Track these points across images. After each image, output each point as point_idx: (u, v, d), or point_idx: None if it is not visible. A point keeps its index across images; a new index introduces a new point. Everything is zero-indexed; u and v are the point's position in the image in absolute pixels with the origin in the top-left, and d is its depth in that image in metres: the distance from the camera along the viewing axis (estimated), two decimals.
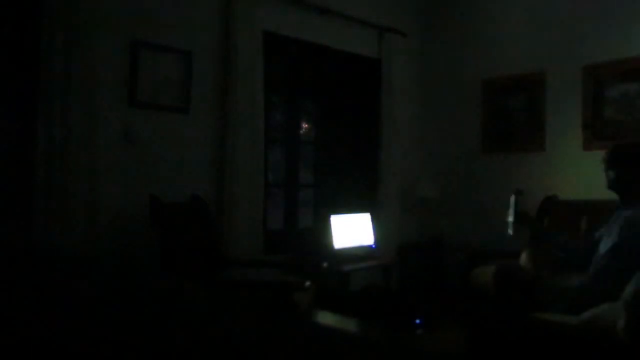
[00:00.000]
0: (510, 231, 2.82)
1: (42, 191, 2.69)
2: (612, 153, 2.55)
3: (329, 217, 3.82)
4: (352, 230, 3.97)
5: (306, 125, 4.61)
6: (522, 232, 2.86)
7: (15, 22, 2.81)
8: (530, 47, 4.26)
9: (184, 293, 0.55)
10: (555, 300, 2.27)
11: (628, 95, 3.75)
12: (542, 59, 4.18)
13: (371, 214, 4.20)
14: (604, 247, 2.42)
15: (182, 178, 3.31)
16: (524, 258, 2.73)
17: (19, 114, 2.80)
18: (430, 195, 4.61)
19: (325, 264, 3.65)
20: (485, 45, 4.56)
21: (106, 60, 2.97)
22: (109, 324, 0.46)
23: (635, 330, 1.66)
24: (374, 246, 4.11)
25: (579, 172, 3.96)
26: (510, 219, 2.85)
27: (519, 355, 1.98)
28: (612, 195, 3.65)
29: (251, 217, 3.52)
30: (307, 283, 2.83)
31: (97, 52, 2.87)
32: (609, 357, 1.76)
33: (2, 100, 2.81)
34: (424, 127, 4.97)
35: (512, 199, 2.83)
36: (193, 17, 3.40)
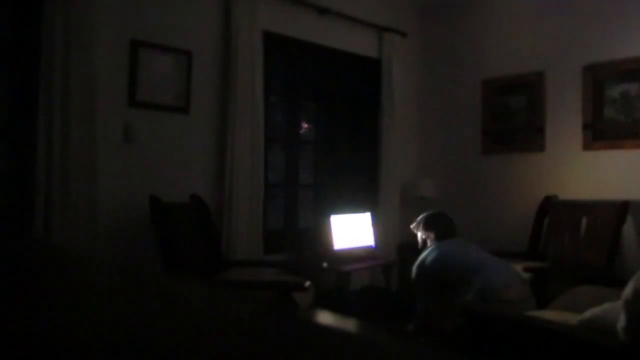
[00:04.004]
0: None
1: (42, 191, 2.69)
2: None
3: (329, 217, 3.82)
4: (352, 230, 3.97)
5: (306, 125, 4.61)
6: None
7: (15, 22, 2.81)
8: (530, 47, 4.26)
9: (184, 293, 0.55)
10: None
11: (628, 95, 3.75)
12: (542, 59, 4.18)
13: (371, 214, 4.20)
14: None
15: (182, 178, 3.31)
16: None
17: (19, 113, 2.80)
18: (430, 195, 4.61)
19: (325, 264, 3.65)
20: (485, 45, 4.56)
21: (106, 60, 2.97)
22: (108, 324, 0.46)
23: (635, 330, 1.66)
24: (374, 246, 4.11)
25: (579, 172, 3.96)
26: None
27: (518, 354, 1.98)
28: (612, 196, 3.66)
29: (251, 217, 3.52)
30: (307, 283, 2.83)
31: (97, 52, 2.87)
32: (609, 357, 1.76)
33: (2, 100, 2.81)
34: (424, 127, 4.97)
35: None
36: (193, 17, 3.40)
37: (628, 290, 1.67)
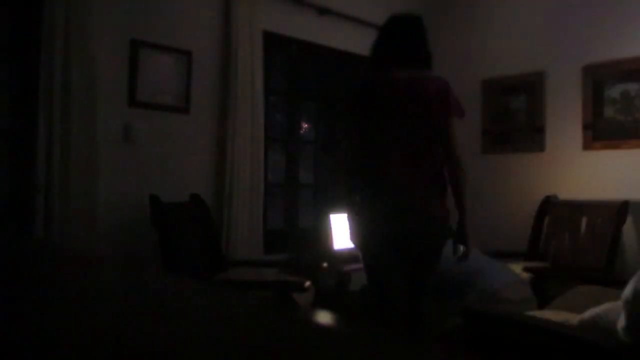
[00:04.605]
0: None
1: (42, 191, 2.69)
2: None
3: (329, 217, 3.82)
4: None
5: (306, 125, 4.61)
6: None
7: (16, 22, 2.81)
8: (530, 47, 4.26)
9: (184, 293, 0.55)
10: None
11: (628, 95, 3.75)
12: (542, 59, 4.18)
13: None
14: None
15: (182, 178, 3.32)
16: None
17: (19, 114, 2.80)
18: None
19: (325, 264, 3.65)
20: (485, 45, 4.56)
21: (106, 60, 2.97)
22: (108, 323, 0.46)
23: (636, 330, 1.66)
24: None
25: (579, 172, 3.96)
26: None
27: (518, 354, 1.98)
28: (612, 196, 3.66)
29: (251, 217, 3.52)
30: (307, 283, 2.83)
31: (97, 52, 2.87)
32: (609, 357, 1.76)
33: (2, 100, 2.81)
34: None
35: None
36: (193, 17, 3.40)
37: (628, 290, 1.67)
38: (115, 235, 2.98)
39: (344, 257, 3.80)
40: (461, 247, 2.15)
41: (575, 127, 3.98)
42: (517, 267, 3.23)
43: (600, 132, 3.87)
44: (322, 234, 3.85)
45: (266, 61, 3.68)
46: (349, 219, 2.20)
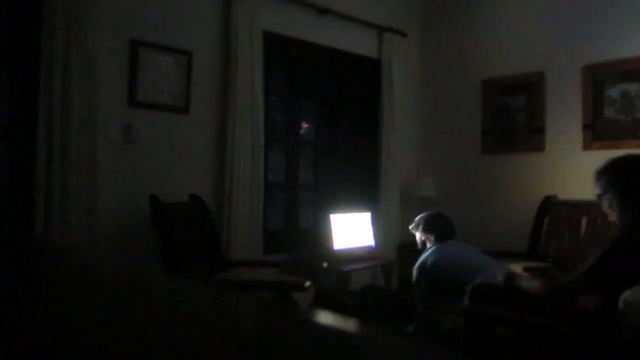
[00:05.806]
0: None
1: (42, 191, 2.69)
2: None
3: (329, 217, 3.82)
4: (352, 230, 3.97)
5: (306, 125, 4.61)
6: None
7: (16, 22, 2.81)
8: (530, 47, 4.26)
9: (184, 293, 0.55)
10: None
11: (628, 95, 3.75)
12: (542, 59, 4.18)
13: (371, 214, 4.20)
14: None
15: (182, 178, 3.31)
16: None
17: (19, 113, 2.80)
18: (430, 195, 4.61)
19: (325, 264, 3.65)
20: (485, 45, 4.56)
21: (106, 60, 2.97)
22: (108, 323, 0.46)
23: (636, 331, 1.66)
24: (374, 246, 4.11)
25: (579, 172, 3.95)
26: None
27: (518, 354, 1.99)
28: None
29: (251, 217, 3.52)
30: (307, 283, 2.83)
31: (97, 52, 2.87)
32: (609, 357, 1.76)
33: (2, 100, 2.81)
34: (424, 127, 4.97)
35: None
36: (193, 17, 3.40)
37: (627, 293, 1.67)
38: (115, 235, 2.98)
39: (344, 257, 3.80)
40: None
41: (575, 127, 3.98)
42: (517, 267, 3.23)
43: (600, 132, 3.87)
44: (322, 234, 3.85)
45: (266, 61, 3.68)
46: None
